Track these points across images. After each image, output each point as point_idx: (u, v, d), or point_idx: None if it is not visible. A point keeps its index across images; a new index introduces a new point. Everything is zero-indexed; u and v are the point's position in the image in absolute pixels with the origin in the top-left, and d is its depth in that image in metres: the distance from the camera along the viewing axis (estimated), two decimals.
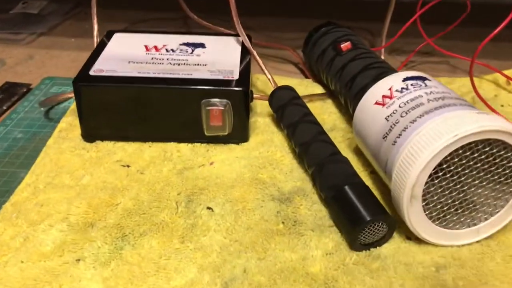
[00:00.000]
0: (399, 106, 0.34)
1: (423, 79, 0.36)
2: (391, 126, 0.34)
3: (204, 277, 0.31)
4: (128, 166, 0.40)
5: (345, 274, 0.31)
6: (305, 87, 0.53)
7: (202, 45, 0.48)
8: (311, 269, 0.31)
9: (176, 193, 0.37)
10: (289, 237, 0.34)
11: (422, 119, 0.32)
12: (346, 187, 0.34)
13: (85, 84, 0.41)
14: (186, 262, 0.32)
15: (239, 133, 0.43)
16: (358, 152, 0.42)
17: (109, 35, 0.50)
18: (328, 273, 0.31)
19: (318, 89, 0.53)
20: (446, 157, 0.30)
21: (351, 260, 0.32)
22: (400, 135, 0.33)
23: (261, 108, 0.49)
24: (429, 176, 0.30)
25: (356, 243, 0.32)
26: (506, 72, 0.53)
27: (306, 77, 0.57)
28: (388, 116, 0.35)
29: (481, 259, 0.32)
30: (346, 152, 0.43)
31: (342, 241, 0.34)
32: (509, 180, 0.32)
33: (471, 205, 0.33)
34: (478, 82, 0.54)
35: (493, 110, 0.47)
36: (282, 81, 0.51)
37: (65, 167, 0.40)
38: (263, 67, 0.47)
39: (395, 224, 0.33)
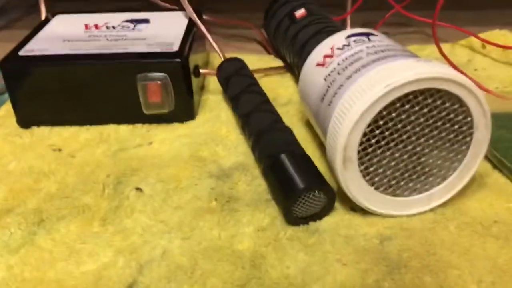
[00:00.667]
0: (337, 64, 0.31)
1: (368, 34, 0.33)
2: (328, 86, 0.30)
3: (119, 261, 0.28)
4: (59, 150, 0.38)
5: (275, 251, 0.28)
6: (265, 62, 0.50)
7: (146, 21, 0.45)
8: (238, 246, 0.28)
9: (105, 175, 0.34)
10: (220, 215, 0.30)
11: (358, 73, 0.28)
12: (282, 155, 0.31)
13: (12, 65, 0.38)
14: (102, 246, 0.29)
15: (182, 111, 0.40)
16: (311, 124, 0.39)
17: (52, 17, 0.47)
18: (257, 250, 0.28)
19: (279, 64, 0.49)
20: (381, 112, 0.26)
21: (285, 235, 0.29)
22: (335, 93, 0.29)
23: (214, 85, 0.46)
24: (365, 136, 0.27)
25: (291, 216, 0.29)
26: (481, 35, 0.49)
27: (269, 53, 0.53)
28: (326, 76, 0.31)
29: (432, 228, 0.29)
30: (298, 125, 0.39)
31: (279, 216, 0.30)
32: (460, 137, 0.28)
33: (421, 169, 0.29)
34: (451, 48, 0.50)
35: (464, 74, 0.43)
36: (242, 58, 0.48)
37: None
38: (211, 39, 0.44)
39: (334, 194, 0.29)
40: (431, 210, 0.30)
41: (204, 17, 0.51)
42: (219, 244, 0.28)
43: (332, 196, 0.29)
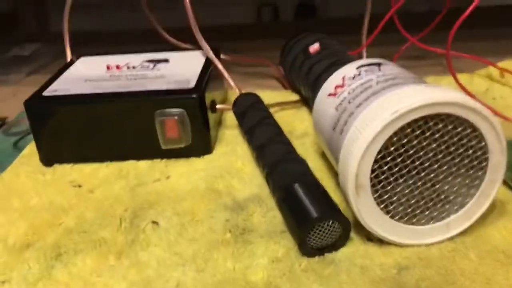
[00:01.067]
0: (348, 93, 0.31)
1: (378, 64, 0.33)
2: (339, 116, 0.30)
3: None
4: (79, 186, 0.38)
5: (290, 282, 0.27)
6: (281, 97, 0.50)
7: (165, 61, 0.46)
8: (252, 277, 0.28)
9: (123, 210, 0.35)
10: (234, 246, 0.30)
11: (368, 101, 0.28)
12: (296, 185, 0.31)
13: (36, 104, 0.40)
14: (117, 278, 0.29)
15: (199, 145, 0.40)
16: (326, 156, 0.39)
17: (77, 59, 0.49)
18: (271, 281, 0.27)
19: (295, 98, 0.50)
20: (391, 138, 0.26)
21: (300, 267, 0.28)
22: (346, 122, 0.29)
23: (231, 121, 0.46)
24: (376, 162, 0.27)
25: (306, 247, 0.29)
26: (500, 64, 0.49)
27: (286, 88, 0.54)
28: (338, 105, 0.31)
29: (451, 257, 0.28)
30: (313, 156, 0.39)
31: (294, 247, 0.30)
32: (475, 162, 0.28)
33: (438, 196, 0.29)
34: (469, 78, 0.50)
35: (480, 102, 0.43)
36: (259, 94, 0.49)
37: (16, 191, 0.38)
38: (226, 75, 0.45)
39: (349, 223, 0.29)
40: (450, 239, 0.29)
41: (222, 56, 0.52)
42: (233, 276, 0.28)
43: (347, 226, 0.29)
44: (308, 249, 0.29)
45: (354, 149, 0.26)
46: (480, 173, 0.28)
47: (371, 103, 0.28)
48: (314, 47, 0.45)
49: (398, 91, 0.27)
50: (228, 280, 0.28)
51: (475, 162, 0.28)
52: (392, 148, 0.27)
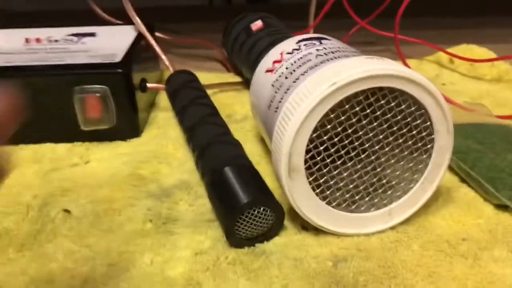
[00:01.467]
0: (286, 68, 0.28)
1: (320, 39, 0.30)
2: (275, 92, 0.27)
3: None
4: None
5: (213, 276, 0.24)
6: (222, 79, 0.47)
7: (92, 35, 0.42)
8: (171, 272, 0.24)
9: (32, 197, 0.31)
10: (154, 238, 0.27)
11: (305, 75, 0.25)
12: (226, 168, 0.27)
13: None
14: (14, 274, 0.25)
15: (125, 127, 0.36)
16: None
17: None
18: (192, 276, 0.24)
19: (236, 80, 0.46)
20: (328, 115, 0.23)
21: (226, 259, 0.25)
22: (282, 99, 0.26)
23: (166, 103, 0.42)
24: (312, 142, 0.24)
25: (234, 237, 0.25)
26: (449, 50, 0.47)
27: (228, 71, 0.50)
28: (274, 81, 0.28)
29: (393, 248, 0.25)
30: (252, 141, 0.36)
31: (222, 238, 0.26)
32: (420, 144, 0.25)
33: (379, 181, 0.26)
34: (418, 63, 0.48)
35: None
36: (199, 76, 0.45)
37: None
38: (160, 52, 0.41)
39: (282, 211, 0.26)
40: (392, 228, 0.27)
41: (157, 33, 0.48)
42: (150, 271, 0.25)
43: (280, 214, 0.26)
44: (236, 239, 0.26)
45: (288, 125, 0.23)
46: (424, 156, 0.26)
47: (308, 77, 0.25)
48: (257, 24, 0.42)
49: (337, 63, 0.24)
50: (143, 276, 0.24)
51: (420, 144, 0.25)
52: (329, 126, 0.24)
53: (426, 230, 0.26)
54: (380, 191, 0.26)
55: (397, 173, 0.26)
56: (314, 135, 0.23)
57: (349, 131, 0.24)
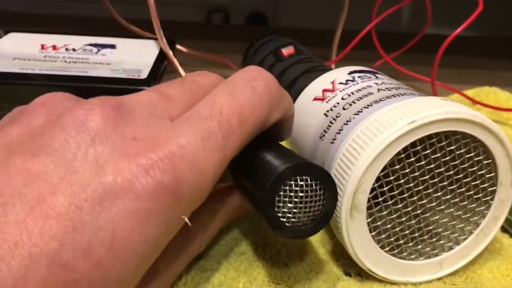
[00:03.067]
0: (342, 98, 0.27)
1: (373, 73, 0.29)
2: (330, 122, 0.26)
3: None
4: None
5: None
6: None
7: (112, 46, 0.40)
8: None
9: None
10: (188, 274, 0.24)
11: (370, 109, 0.24)
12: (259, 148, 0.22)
13: None
14: None
15: None
16: None
17: (5, 34, 0.41)
18: None
19: None
20: (399, 154, 0.22)
21: None
22: (341, 130, 0.25)
23: None
24: (378, 181, 0.22)
25: (277, 220, 0.20)
26: (471, 91, 0.47)
27: None
28: (328, 110, 0.27)
29: None
30: None
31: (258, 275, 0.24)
32: (480, 195, 0.24)
33: (434, 228, 0.25)
34: None
35: None
36: None
37: None
38: (180, 69, 0.39)
39: (335, 187, 0.21)
40: (439, 279, 0.25)
41: (178, 46, 0.47)
42: None
43: (333, 192, 0.21)
44: (281, 224, 0.20)
45: (357, 160, 0.22)
46: (483, 207, 0.25)
47: (376, 111, 0.23)
48: (288, 49, 0.40)
49: (411, 100, 0.23)
50: None
51: (481, 195, 0.24)
52: (398, 166, 0.22)
53: (475, 283, 0.25)
54: (433, 239, 0.25)
55: (453, 222, 0.25)
56: (382, 173, 0.22)
57: (416, 173, 0.23)
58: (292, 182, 0.20)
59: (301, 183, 0.20)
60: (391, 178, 0.22)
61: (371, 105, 0.24)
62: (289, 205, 0.20)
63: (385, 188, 0.23)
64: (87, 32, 0.42)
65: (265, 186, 0.20)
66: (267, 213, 0.20)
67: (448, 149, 0.23)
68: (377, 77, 0.28)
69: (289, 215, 0.20)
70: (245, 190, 0.24)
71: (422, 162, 0.23)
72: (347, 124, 0.25)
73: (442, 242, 0.25)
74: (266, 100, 0.20)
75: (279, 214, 0.20)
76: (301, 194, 0.20)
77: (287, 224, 0.20)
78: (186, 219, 0.18)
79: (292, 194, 0.20)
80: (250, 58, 0.46)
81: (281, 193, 0.20)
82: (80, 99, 0.20)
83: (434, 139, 0.22)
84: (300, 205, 0.20)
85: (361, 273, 0.25)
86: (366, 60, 0.51)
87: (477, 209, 0.25)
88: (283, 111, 0.22)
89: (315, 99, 0.29)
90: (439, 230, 0.25)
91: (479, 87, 0.48)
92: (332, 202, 0.21)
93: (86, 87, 0.33)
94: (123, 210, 0.16)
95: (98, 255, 0.16)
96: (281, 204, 0.20)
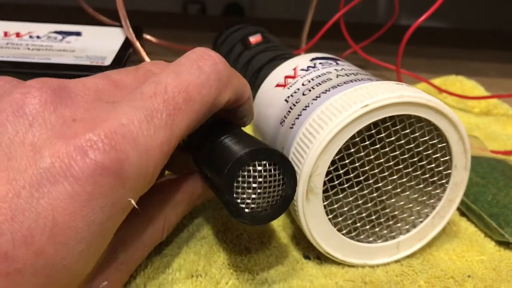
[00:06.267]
0: (302, 84, 0.27)
1: (335, 59, 0.30)
2: (290, 108, 0.26)
3: None
4: None
5: None
6: None
7: (77, 34, 0.39)
8: None
9: None
10: (148, 259, 0.24)
11: (328, 94, 0.24)
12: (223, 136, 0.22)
13: None
14: None
15: None
16: None
17: None
18: None
19: None
20: (354, 137, 0.22)
21: (226, 285, 0.23)
22: (299, 115, 0.25)
23: None
24: (333, 164, 0.23)
25: (236, 206, 0.20)
26: (437, 80, 0.48)
27: None
28: (289, 96, 0.27)
29: (399, 282, 0.24)
30: None
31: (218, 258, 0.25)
32: (436, 178, 0.25)
33: (391, 211, 0.25)
34: None
35: None
36: None
37: None
38: (145, 57, 0.39)
39: (294, 171, 0.21)
40: (397, 261, 0.26)
41: (145, 35, 0.46)
42: None
43: (291, 176, 0.21)
44: (237, 208, 0.20)
45: (312, 143, 0.22)
46: (439, 190, 0.25)
47: (332, 96, 0.24)
48: (256, 38, 0.40)
49: (366, 85, 0.23)
50: None
51: (436, 178, 0.25)
52: (353, 149, 0.23)
53: (431, 264, 0.26)
54: (390, 222, 0.25)
55: (409, 205, 0.25)
56: (337, 157, 0.22)
57: (372, 156, 0.23)
58: (251, 168, 0.20)
59: (259, 168, 0.20)
60: (347, 161, 0.23)
61: (328, 91, 0.25)
62: (248, 191, 0.20)
63: (341, 172, 0.23)
64: (53, 19, 0.42)
65: (223, 172, 0.20)
66: (226, 199, 0.20)
67: (402, 132, 0.23)
68: (337, 64, 0.28)
69: (248, 200, 0.20)
70: (206, 177, 0.24)
71: (377, 146, 0.23)
72: (305, 109, 0.25)
73: (399, 225, 0.25)
74: (214, 79, 0.20)
75: (238, 200, 0.20)
76: (259, 179, 0.20)
77: (246, 210, 0.20)
78: (133, 202, 0.17)
79: (251, 179, 0.20)
80: (219, 46, 0.46)
81: (240, 178, 0.20)
82: (20, 82, 0.19)
83: (389, 123, 0.23)
84: (259, 191, 0.20)
85: (320, 256, 0.25)
86: (336, 50, 0.51)
87: (433, 192, 0.25)
88: (235, 91, 0.22)
89: (277, 85, 0.29)
90: (396, 213, 0.25)
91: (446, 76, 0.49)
92: (291, 186, 0.21)
93: (48, 74, 0.32)
94: (62, 195, 0.15)
95: (39, 243, 0.15)
96: (239, 190, 0.20)
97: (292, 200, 0.21)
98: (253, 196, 0.20)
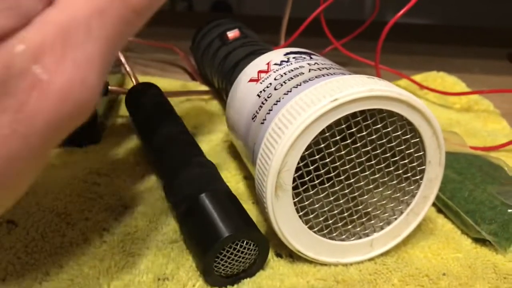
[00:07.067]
0: (275, 79, 0.26)
1: (309, 54, 0.29)
2: (262, 103, 0.25)
3: None
4: None
5: None
6: (188, 88, 0.44)
7: None
8: None
9: None
10: (112, 259, 0.24)
11: (299, 88, 0.24)
12: (202, 195, 0.24)
13: None
14: None
15: (83, 133, 0.33)
16: (236, 155, 0.34)
17: None
18: None
19: (203, 89, 0.44)
20: (323, 132, 0.22)
21: (193, 287, 0.22)
22: (270, 110, 0.24)
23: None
24: (303, 160, 0.22)
25: (212, 275, 0.22)
26: (418, 76, 0.47)
27: (193, 79, 0.48)
28: (261, 91, 0.26)
29: (373, 280, 0.24)
30: (220, 155, 0.34)
31: (187, 263, 0.24)
32: (409, 174, 0.24)
33: (363, 208, 0.25)
34: None
35: None
36: (161, 83, 0.42)
37: None
38: (123, 60, 0.38)
39: (267, 244, 0.23)
40: (371, 259, 0.25)
41: None
42: None
43: (265, 247, 0.23)
44: (215, 277, 0.23)
45: (281, 138, 0.21)
46: (413, 186, 0.25)
47: (303, 90, 0.23)
48: (234, 33, 0.40)
49: (336, 78, 0.23)
50: None
51: (410, 174, 0.24)
52: (323, 145, 0.22)
53: (405, 262, 0.25)
54: (363, 219, 0.25)
55: (383, 202, 0.25)
56: (307, 152, 0.22)
57: (343, 152, 0.23)
58: (231, 247, 0.22)
59: (237, 246, 0.22)
60: (317, 157, 0.22)
61: (300, 85, 0.24)
62: (224, 263, 0.22)
63: (311, 168, 0.22)
64: None
65: (205, 251, 0.22)
66: (204, 271, 0.23)
67: (374, 127, 0.22)
68: (311, 58, 0.28)
69: (223, 268, 0.23)
70: (186, 231, 0.25)
71: (348, 141, 0.22)
72: (276, 104, 0.24)
73: (372, 222, 0.25)
74: None
75: (215, 269, 0.22)
76: (236, 253, 0.22)
77: (220, 275, 0.23)
78: None
79: (228, 255, 0.22)
80: (198, 42, 0.45)
81: (219, 256, 0.22)
82: None
83: (359, 117, 0.22)
84: (234, 261, 0.23)
85: (292, 254, 0.25)
86: (317, 47, 0.51)
87: (407, 189, 0.25)
88: None
89: (251, 80, 0.28)
90: (370, 210, 0.25)
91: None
92: (263, 252, 0.23)
93: None
94: None
95: None
96: (218, 262, 0.22)
97: (266, 258, 0.24)
98: (229, 266, 0.23)
